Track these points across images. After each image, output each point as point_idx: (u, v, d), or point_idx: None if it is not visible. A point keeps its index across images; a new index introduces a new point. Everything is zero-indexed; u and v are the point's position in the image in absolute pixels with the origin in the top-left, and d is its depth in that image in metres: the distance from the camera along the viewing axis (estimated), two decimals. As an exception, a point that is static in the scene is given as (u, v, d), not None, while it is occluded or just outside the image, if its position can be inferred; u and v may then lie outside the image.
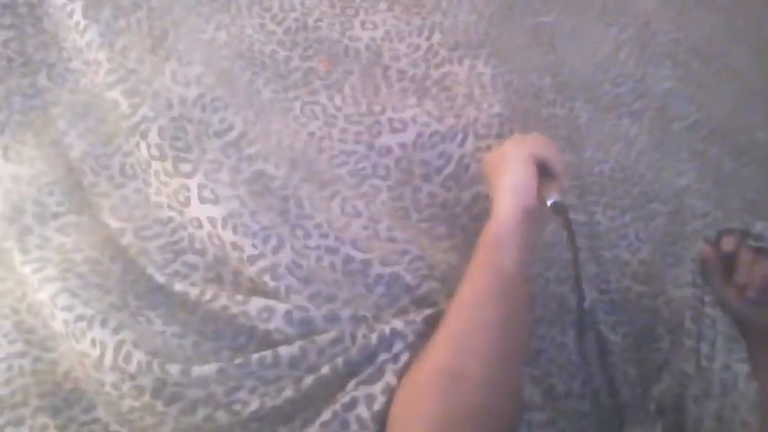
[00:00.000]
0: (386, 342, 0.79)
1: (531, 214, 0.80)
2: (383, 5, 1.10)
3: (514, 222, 0.79)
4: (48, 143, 0.90)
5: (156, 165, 0.88)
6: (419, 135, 0.99)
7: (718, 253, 0.84)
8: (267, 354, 0.79)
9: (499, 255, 0.78)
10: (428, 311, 0.83)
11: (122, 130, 0.90)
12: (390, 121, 1.00)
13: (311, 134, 0.99)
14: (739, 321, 0.84)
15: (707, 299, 0.86)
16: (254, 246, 0.84)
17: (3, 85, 0.90)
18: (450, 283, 0.86)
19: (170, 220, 0.88)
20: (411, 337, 0.80)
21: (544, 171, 0.83)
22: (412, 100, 1.02)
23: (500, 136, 0.99)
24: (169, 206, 0.88)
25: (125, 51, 0.93)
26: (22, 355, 0.83)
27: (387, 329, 0.80)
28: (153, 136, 0.88)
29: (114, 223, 0.88)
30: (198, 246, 0.87)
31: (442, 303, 0.85)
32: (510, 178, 0.81)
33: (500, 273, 0.77)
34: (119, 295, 0.83)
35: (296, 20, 1.06)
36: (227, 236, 0.85)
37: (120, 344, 0.78)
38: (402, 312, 0.85)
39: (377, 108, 1.01)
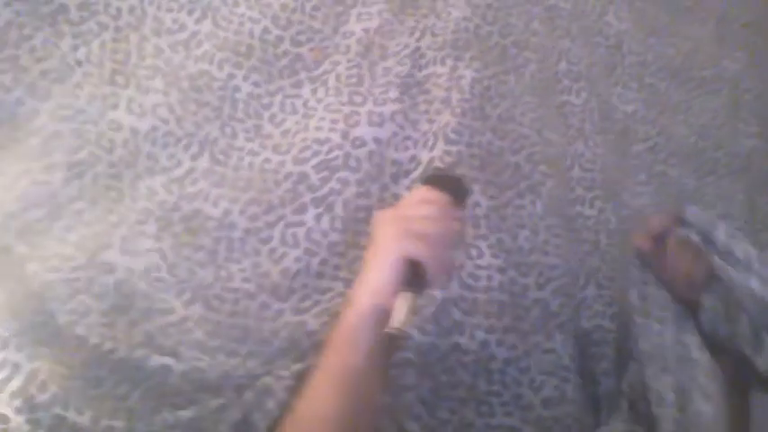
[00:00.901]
0: (258, 399, 0.82)
1: (384, 313, 0.74)
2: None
3: (368, 320, 0.75)
4: None
5: (81, 205, 0.85)
6: (394, 134, 0.98)
7: (651, 238, 0.86)
8: (169, 416, 0.80)
9: (348, 349, 0.75)
10: (296, 366, 0.84)
11: (57, 160, 0.87)
12: (369, 113, 0.98)
13: (285, 132, 0.96)
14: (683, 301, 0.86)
15: (649, 278, 0.88)
16: (164, 300, 0.84)
17: None
18: None
19: (71, 257, 0.84)
20: (281, 393, 0.82)
21: (416, 272, 0.75)
22: (394, 93, 1.00)
23: (470, 145, 0.99)
24: (76, 245, 0.85)
25: (76, 89, 0.89)
26: None
27: (260, 386, 0.83)
28: (88, 179, 0.86)
29: (20, 247, 0.84)
30: (96, 290, 0.84)
31: None
32: (374, 275, 0.76)
33: (346, 368, 0.75)
34: (21, 322, 0.80)
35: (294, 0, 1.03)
36: (141, 287, 0.84)
37: (36, 372, 0.77)
38: (302, 356, 0.86)
39: (358, 99, 0.98)
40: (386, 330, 0.72)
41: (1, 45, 0.88)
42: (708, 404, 0.80)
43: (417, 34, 1.06)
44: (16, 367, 0.77)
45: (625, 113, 1.19)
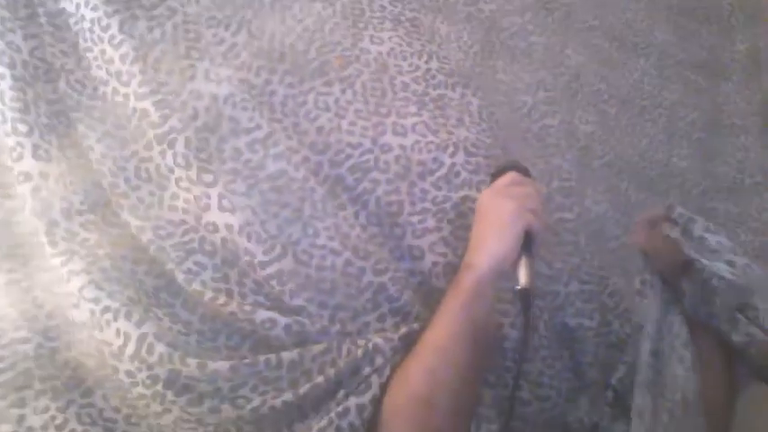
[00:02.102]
0: (369, 356, 0.86)
1: (503, 277, 0.86)
2: (388, 24, 1.14)
3: (490, 281, 0.84)
4: (68, 145, 0.92)
5: (179, 172, 0.92)
6: (417, 141, 1.03)
7: (644, 231, 0.93)
8: (272, 357, 0.85)
9: (475, 306, 0.84)
10: (403, 330, 0.90)
11: (149, 137, 0.93)
12: (394, 124, 1.03)
13: (320, 129, 1.01)
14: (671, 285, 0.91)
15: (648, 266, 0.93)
16: (264, 253, 0.89)
17: (31, 90, 0.91)
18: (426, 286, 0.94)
19: (182, 222, 0.91)
20: (389, 353, 0.87)
21: (527, 241, 0.86)
22: (413, 108, 1.05)
23: (488, 157, 1.04)
24: (184, 210, 0.91)
25: (157, 64, 0.95)
26: (25, 341, 0.86)
27: (370, 345, 0.87)
28: (179, 146, 0.92)
29: (134, 221, 0.90)
30: (208, 248, 0.90)
31: (412, 317, 0.92)
32: (496, 243, 0.85)
33: (475, 322, 0.83)
34: (134, 290, 0.86)
35: (314, 23, 1.10)
36: (242, 242, 0.89)
37: (144, 336, 0.83)
38: (381, 318, 0.92)
39: (383, 110, 1.04)
40: (518, 288, 0.82)
41: (92, 44, 0.96)
42: (682, 367, 0.88)
43: (425, 57, 1.13)
44: (128, 335, 0.83)
45: (585, 133, 1.31)
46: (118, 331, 0.83)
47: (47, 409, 0.83)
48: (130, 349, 0.82)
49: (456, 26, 1.21)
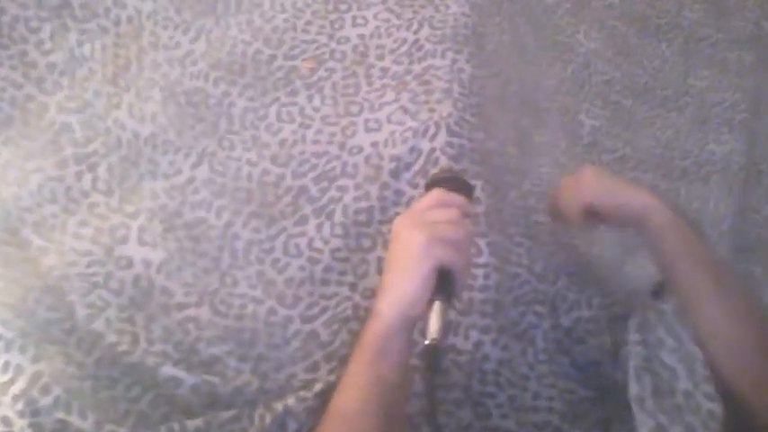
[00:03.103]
0: (280, 421, 0.77)
1: (414, 324, 0.74)
2: None
3: (397, 332, 0.72)
4: None
5: (96, 197, 0.85)
6: (392, 133, 0.96)
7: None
8: (175, 425, 0.75)
9: (381, 363, 0.72)
10: (317, 387, 0.80)
11: (64, 155, 0.86)
12: (366, 121, 0.97)
13: (283, 141, 0.95)
14: None
15: None
16: (184, 294, 0.83)
17: None
18: None
19: (87, 253, 0.83)
20: (303, 415, 0.78)
21: (444, 279, 0.72)
22: (390, 96, 0.98)
23: (471, 139, 0.96)
24: (92, 239, 0.84)
25: (85, 82, 0.89)
26: None
27: (280, 407, 0.78)
28: (102, 171, 0.86)
29: (37, 240, 0.83)
30: (114, 285, 0.82)
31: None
32: (402, 285, 0.72)
33: (381, 382, 0.72)
34: (25, 321, 0.78)
35: (285, 20, 1.03)
36: (160, 280, 0.83)
37: (39, 374, 0.73)
38: (313, 368, 0.83)
39: (354, 109, 0.98)
40: (426, 342, 0.69)
41: (9, 42, 0.88)
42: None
43: (416, 26, 1.05)
44: (19, 369, 0.73)
45: (593, 127, 1.23)
46: (7, 364, 0.73)
47: None
48: (18, 387, 0.72)
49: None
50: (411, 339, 0.74)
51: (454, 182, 0.80)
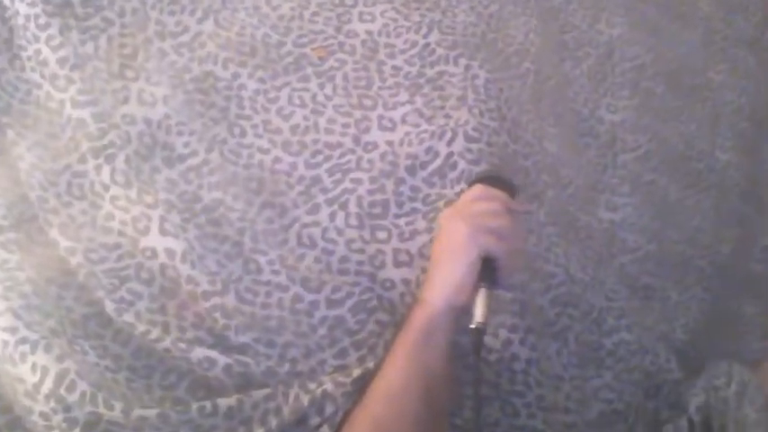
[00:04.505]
0: (317, 404, 0.82)
1: (460, 310, 0.79)
2: None
3: (443, 319, 0.78)
4: None
5: (116, 190, 0.88)
6: (407, 133, 0.98)
7: None
8: (207, 404, 0.80)
9: (427, 350, 0.78)
10: (356, 372, 0.84)
11: (83, 150, 0.88)
12: (380, 118, 0.99)
13: (295, 127, 0.97)
14: None
15: None
16: (209, 282, 0.86)
17: None
18: (405, 299, 0.88)
19: (117, 246, 0.87)
20: (341, 400, 0.82)
21: (488, 267, 0.79)
22: (404, 96, 1.01)
23: (490, 144, 0.98)
24: (119, 232, 0.87)
25: (91, 80, 0.91)
26: None
27: (318, 391, 0.82)
28: (119, 163, 0.89)
29: (64, 242, 0.87)
30: (144, 276, 0.86)
31: (379, 349, 0.87)
32: (449, 273, 0.79)
33: (427, 368, 0.77)
34: (57, 320, 0.82)
35: (292, 9, 1.05)
36: (185, 269, 0.86)
37: (65, 372, 0.78)
38: (342, 354, 0.87)
39: (368, 102, 1.00)
40: (471, 326, 0.75)
41: (26, 42, 0.91)
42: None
43: (425, 29, 1.07)
44: (45, 370, 0.79)
45: (612, 123, 1.20)
46: (34, 366, 0.79)
47: None
48: (47, 387, 0.78)
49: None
50: (456, 325, 0.80)
51: (496, 179, 0.88)
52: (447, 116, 1.00)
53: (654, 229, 1.13)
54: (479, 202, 0.83)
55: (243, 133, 0.96)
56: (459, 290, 0.78)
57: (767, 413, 0.88)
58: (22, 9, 0.91)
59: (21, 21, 0.92)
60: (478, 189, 0.85)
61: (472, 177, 0.91)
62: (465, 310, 0.78)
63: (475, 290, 0.78)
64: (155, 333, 0.84)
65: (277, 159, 0.95)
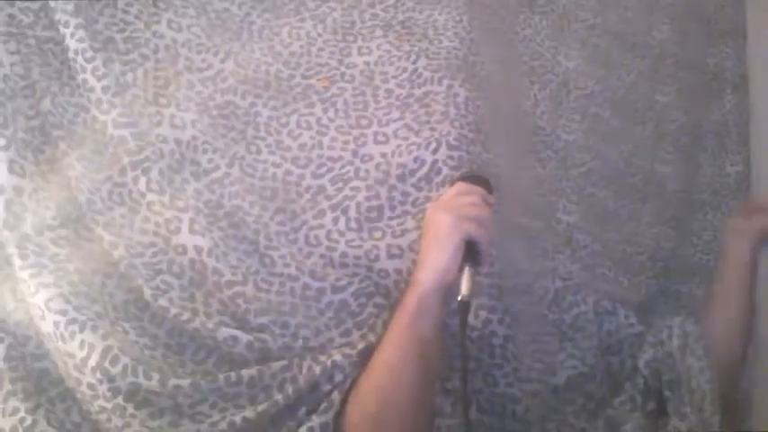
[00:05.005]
0: (328, 373, 0.89)
1: (447, 289, 0.86)
2: (379, 32, 1.16)
3: (433, 296, 0.85)
4: (45, 160, 0.94)
5: (151, 197, 0.95)
6: (398, 146, 1.05)
7: None
8: (232, 374, 0.87)
9: (420, 324, 0.84)
10: (361, 345, 0.92)
11: (123, 163, 0.95)
12: (375, 134, 1.07)
13: (302, 146, 1.05)
14: None
15: None
16: (232, 274, 0.92)
17: (10, 105, 0.93)
18: (399, 286, 0.96)
19: (152, 244, 0.93)
20: (349, 369, 0.89)
21: (471, 250, 0.86)
22: (395, 114, 1.08)
23: (469, 152, 1.05)
24: (154, 233, 0.94)
25: (131, 104, 0.98)
26: None
27: (329, 362, 0.89)
28: (154, 174, 0.95)
29: (108, 237, 0.92)
30: (176, 269, 0.92)
31: (378, 327, 0.94)
32: (436, 257, 0.86)
33: (421, 340, 0.84)
34: (101, 305, 0.88)
35: (301, 46, 1.12)
36: (211, 262, 0.92)
37: (109, 348, 0.84)
38: (346, 333, 0.94)
39: (364, 122, 1.07)
40: (459, 299, 0.82)
41: (74, 72, 0.99)
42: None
43: (414, 57, 1.14)
44: (92, 347, 0.85)
45: (566, 141, 1.31)
46: (82, 343, 0.84)
47: (16, 411, 0.85)
48: (93, 361, 0.84)
49: (455, 12, 1.21)
50: (445, 302, 0.86)
51: (474, 178, 0.95)
52: (432, 129, 1.06)
53: (596, 232, 1.25)
54: (461, 195, 0.90)
55: (258, 151, 1.03)
56: (447, 270, 0.84)
57: (708, 359, 0.96)
58: (72, 44, 0.97)
59: (71, 54, 0.98)
60: (460, 185, 0.92)
61: (453, 181, 0.97)
62: (452, 289, 0.84)
63: (460, 270, 0.85)
64: (185, 315, 0.90)
65: (288, 172, 1.03)
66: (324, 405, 0.88)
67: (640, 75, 1.45)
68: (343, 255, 0.99)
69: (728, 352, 1.02)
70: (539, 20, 1.37)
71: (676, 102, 1.46)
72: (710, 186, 1.47)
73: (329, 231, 1.01)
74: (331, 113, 1.09)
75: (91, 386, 0.85)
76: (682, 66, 1.51)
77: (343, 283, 0.97)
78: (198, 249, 0.93)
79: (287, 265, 0.96)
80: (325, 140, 1.06)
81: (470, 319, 0.94)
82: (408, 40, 1.17)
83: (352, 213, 1.02)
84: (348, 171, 1.04)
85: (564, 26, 1.41)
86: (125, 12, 1.04)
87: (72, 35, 0.98)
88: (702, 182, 1.46)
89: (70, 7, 0.98)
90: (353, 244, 1.00)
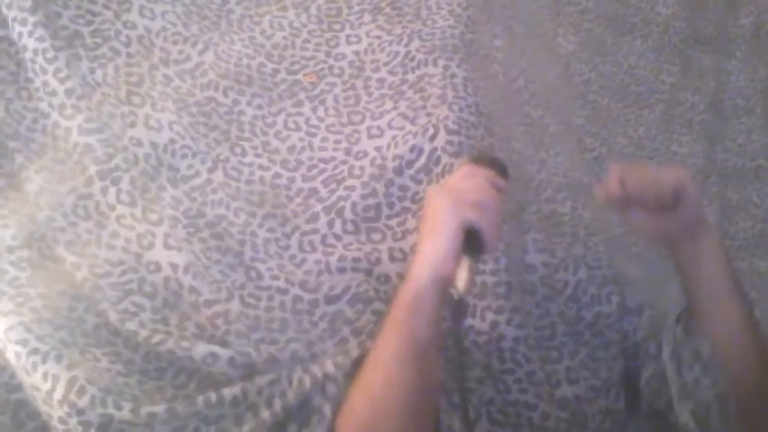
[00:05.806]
0: (319, 385, 0.80)
1: (446, 282, 0.75)
2: (368, 17, 1.09)
3: (430, 290, 0.74)
4: (1, 175, 0.88)
5: (122, 209, 0.87)
6: (393, 137, 0.98)
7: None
8: (212, 395, 0.78)
9: (414, 321, 0.74)
10: (356, 354, 0.83)
11: (90, 173, 0.88)
12: (369, 128, 1.00)
13: (291, 148, 0.98)
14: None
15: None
16: (210, 292, 0.84)
17: None
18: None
19: (120, 262, 0.86)
20: (342, 380, 0.80)
21: (472, 238, 0.76)
22: (389, 105, 1.01)
23: (469, 137, 0.97)
24: (123, 249, 0.86)
25: (99, 106, 0.90)
26: None
27: (319, 374, 0.80)
28: (125, 184, 0.87)
29: (70, 257, 0.85)
30: (147, 289, 0.85)
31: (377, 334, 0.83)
32: (432, 245, 0.75)
33: (415, 339, 0.74)
34: (68, 331, 0.80)
35: (284, 38, 1.06)
36: (187, 280, 0.84)
37: (74, 379, 0.76)
38: (342, 342, 0.86)
39: (356, 118, 1.00)
40: (453, 294, 0.73)
41: (34, 75, 0.91)
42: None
43: (405, 40, 1.07)
44: (56, 378, 0.77)
45: (578, 126, 1.25)
46: (45, 374, 0.77)
47: None
48: (59, 394, 0.77)
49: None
50: (442, 296, 0.76)
51: (485, 160, 0.84)
52: (429, 114, 0.98)
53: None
54: (464, 179, 0.80)
55: (244, 153, 0.95)
56: (443, 261, 0.74)
57: (707, 367, 0.85)
58: (30, 44, 0.90)
59: (29, 55, 0.91)
60: (464, 168, 0.82)
61: (455, 169, 0.90)
62: (450, 281, 0.75)
63: (458, 260, 0.75)
64: (157, 337, 0.82)
65: (277, 175, 0.95)
66: (315, 418, 0.80)
67: (640, 57, 1.40)
68: (342, 259, 0.92)
69: (741, 353, 0.85)
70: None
71: (683, 82, 1.40)
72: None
73: (324, 236, 0.94)
74: (321, 112, 1.02)
75: (62, 420, 0.77)
76: (690, 42, 1.45)
77: (337, 291, 0.89)
78: (173, 266, 0.85)
79: (275, 278, 0.89)
80: (316, 141, 1.00)
81: (476, 322, 0.90)
82: (400, 22, 1.09)
83: (348, 215, 0.94)
84: (341, 171, 0.97)
85: (559, 9, 1.37)
86: (92, 2, 0.96)
87: (30, 33, 0.90)
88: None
89: (28, 4, 0.91)
90: (352, 248, 0.93)
